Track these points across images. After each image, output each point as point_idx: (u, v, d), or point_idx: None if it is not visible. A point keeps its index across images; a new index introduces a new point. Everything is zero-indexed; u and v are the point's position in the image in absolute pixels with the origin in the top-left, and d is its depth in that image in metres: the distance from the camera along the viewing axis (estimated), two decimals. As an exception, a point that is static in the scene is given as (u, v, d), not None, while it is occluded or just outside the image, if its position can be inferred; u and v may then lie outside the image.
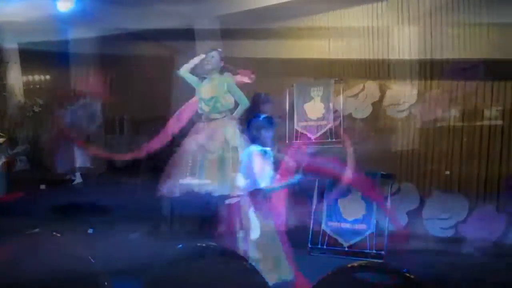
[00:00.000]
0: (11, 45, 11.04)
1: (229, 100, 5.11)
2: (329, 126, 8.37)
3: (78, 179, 9.02)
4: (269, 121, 4.48)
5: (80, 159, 9.02)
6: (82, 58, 11.01)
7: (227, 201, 5.03)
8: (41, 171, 9.52)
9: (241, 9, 8.90)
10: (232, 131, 5.09)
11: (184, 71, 5.15)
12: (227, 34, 9.65)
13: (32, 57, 11.10)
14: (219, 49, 5.32)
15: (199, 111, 5.14)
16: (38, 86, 11.65)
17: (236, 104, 5.31)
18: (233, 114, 5.19)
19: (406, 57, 8.59)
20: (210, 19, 9.33)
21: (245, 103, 5.19)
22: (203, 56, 5.24)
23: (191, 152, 4.88)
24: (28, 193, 7.80)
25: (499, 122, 7.44)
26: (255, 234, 4.29)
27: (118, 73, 11.68)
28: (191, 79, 5.14)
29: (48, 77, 11.73)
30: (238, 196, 4.83)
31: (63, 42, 10.58)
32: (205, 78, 5.14)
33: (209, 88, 5.05)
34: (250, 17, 8.99)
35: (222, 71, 5.19)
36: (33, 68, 11.60)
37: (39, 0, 9.16)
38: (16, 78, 11.22)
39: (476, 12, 7.80)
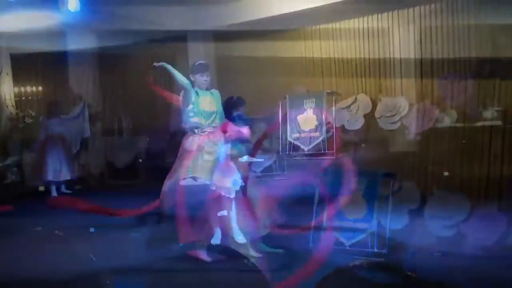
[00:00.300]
0: (3, 56, 11.03)
1: (222, 116, 5.20)
2: (321, 138, 8.38)
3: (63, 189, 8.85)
4: (240, 100, 4.93)
5: (66, 169, 8.83)
6: (75, 68, 11.03)
7: (219, 214, 5.08)
8: (32, 182, 9.41)
9: (237, 20, 9.01)
10: (222, 142, 5.16)
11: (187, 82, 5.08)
12: (222, 45, 9.81)
13: (24, 68, 11.11)
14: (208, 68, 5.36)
15: (193, 124, 5.10)
16: (30, 97, 11.61)
17: None
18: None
19: (398, 69, 8.76)
20: (206, 30, 9.43)
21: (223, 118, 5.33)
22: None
23: (192, 154, 4.91)
24: (18, 204, 7.71)
25: (496, 123, 7.45)
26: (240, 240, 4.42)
27: (111, 84, 11.71)
28: (191, 93, 5.08)
29: (40, 88, 11.68)
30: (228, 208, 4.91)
31: (56, 53, 10.59)
32: (197, 92, 5.13)
33: (207, 102, 5.11)
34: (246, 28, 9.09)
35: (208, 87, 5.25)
36: (25, 79, 11.57)
37: (31, 11, 9.14)
38: (8, 89, 11.18)
39: (465, 21, 8.02)
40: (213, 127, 5.16)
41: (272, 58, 9.84)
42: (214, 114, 5.17)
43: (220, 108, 5.24)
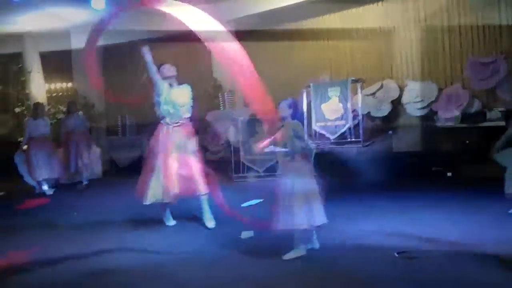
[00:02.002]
0: (34, 54, 11.28)
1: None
2: (347, 126, 8.28)
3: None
4: None
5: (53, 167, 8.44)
6: (104, 64, 11.14)
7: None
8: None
9: (253, 12, 8.92)
10: (193, 132, 5.26)
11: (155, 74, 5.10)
12: (241, 36, 9.69)
13: (54, 66, 11.31)
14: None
15: (164, 114, 5.12)
16: (60, 94, 11.86)
17: None
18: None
19: (425, 53, 8.51)
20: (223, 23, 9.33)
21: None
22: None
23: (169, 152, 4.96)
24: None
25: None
26: None
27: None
28: (161, 83, 5.11)
29: (70, 85, 11.89)
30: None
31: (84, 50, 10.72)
32: (171, 84, 5.13)
33: (180, 94, 5.12)
34: (263, 19, 8.99)
35: (179, 81, 5.22)
36: (55, 76, 11.79)
37: (59, 10, 9.30)
38: (39, 87, 11.44)
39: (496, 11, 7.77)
40: (185, 118, 5.16)
41: (294, 46, 9.72)
42: (185, 106, 5.15)
43: (190, 102, 5.20)
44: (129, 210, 5.86)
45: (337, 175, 7.16)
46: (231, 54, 4.31)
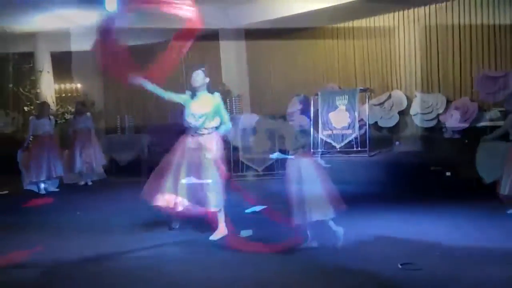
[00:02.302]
0: (45, 54, 11.35)
1: (217, 120, 5.06)
2: (354, 135, 8.26)
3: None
4: None
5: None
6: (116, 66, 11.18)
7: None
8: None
9: (265, 18, 8.95)
10: (218, 145, 5.04)
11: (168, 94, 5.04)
12: (252, 41, 9.79)
13: (64, 66, 11.38)
14: (203, 68, 5.25)
15: (185, 124, 5.07)
16: (69, 95, 11.90)
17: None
18: (218, 131, 5.11)
19: (434, 65, 8.48)
20: (237, 27, 9.41)
21: (229, 124, 5.19)
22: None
23: (185, 156, 4.88)
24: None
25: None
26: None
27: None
28: (179, 97, 5.03)
29: (79, 86, 11.95)
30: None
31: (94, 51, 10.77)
32: (195, 94, 5.03)
33: (200, 104, 4.96)
34: (274, 25, 9.01)
35: (210, 89, 5.10)
36: (65, 77, 11.85)
37: (70, 11, 9.35)
38: (48, 87, 11.50)
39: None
40: (206, 128, 4.96)
41: (303, 54, 9.72)
42: (204, 116, 4.86)
43: (214, 113, 4.98)
44: (131, 211, 5.85)
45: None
46: None
